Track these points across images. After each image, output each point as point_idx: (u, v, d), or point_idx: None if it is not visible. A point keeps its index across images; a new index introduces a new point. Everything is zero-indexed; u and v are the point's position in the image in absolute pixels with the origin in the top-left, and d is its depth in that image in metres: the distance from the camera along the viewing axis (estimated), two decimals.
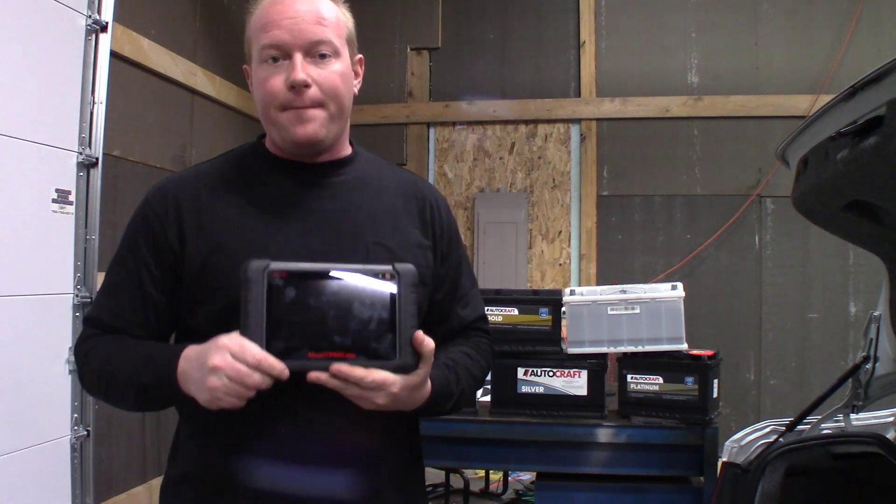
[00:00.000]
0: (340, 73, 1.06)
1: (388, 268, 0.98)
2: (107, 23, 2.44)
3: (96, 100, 2.42)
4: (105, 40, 2.45)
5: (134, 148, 3.43)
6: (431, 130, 4.97)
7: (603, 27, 4.76)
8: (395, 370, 0.96)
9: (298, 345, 0.93)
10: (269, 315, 0.92)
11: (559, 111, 4.77)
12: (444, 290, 1.19)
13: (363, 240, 1.09)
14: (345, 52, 1.08)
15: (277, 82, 1.03)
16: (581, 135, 4.76)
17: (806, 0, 4.54)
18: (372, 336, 0.95)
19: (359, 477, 1.06)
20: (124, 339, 1.06)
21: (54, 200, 2.29)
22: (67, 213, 2.34)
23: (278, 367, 0.91)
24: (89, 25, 2.40)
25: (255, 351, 0.90)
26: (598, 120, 4.72)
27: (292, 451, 1.03)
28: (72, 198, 2.36)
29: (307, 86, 1.02)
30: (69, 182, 2.35)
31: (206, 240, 1.05)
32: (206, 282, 1.04)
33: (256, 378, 0.90)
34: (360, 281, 0.96)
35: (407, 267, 0.98)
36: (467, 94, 4.88)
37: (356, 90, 1.14)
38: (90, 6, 2.40)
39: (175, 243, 1.05)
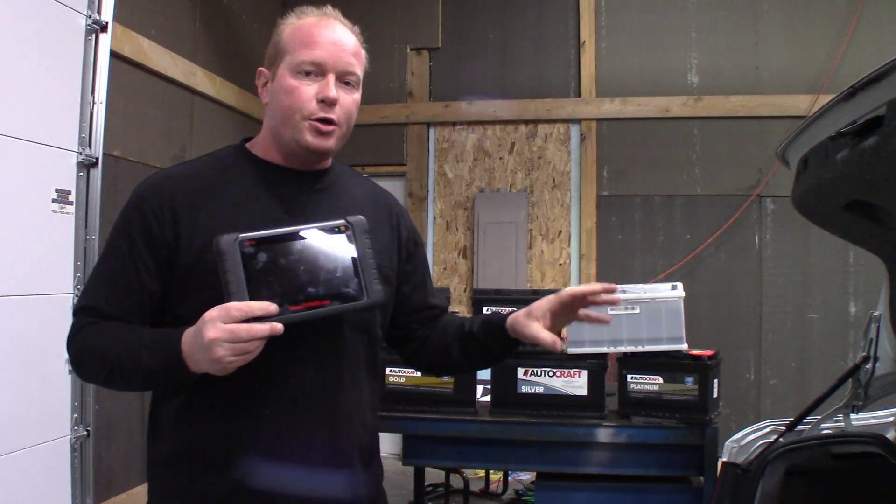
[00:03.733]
0: (356, 102, 1.20)
1: (342, 221, 1.09)
2: (107, 23, 2.45)
3: (96, 100, 2.43)
4: (105, 40, 2.45)
5: (134, 148, 3.43)
6: (431, 130, 4.97)
7: (603, 27, 4.75)
8: (365, 309, 1.09)
9: (279, 301, 1.00)
10: (247, 280, 1.00)
11: (559, 111, 4.77)
12: (415, 284, 1.33)
13: None
14: (360, 85, 1.21)
15: (308, 93, 1.14)
16: (581, 135, 4.76)
17: (806, 0, 4.54)
18: (341, 283, 1.06)
19: (342, 449, 1.17)
20: (120, 325, 1.11)
21: (54, 200, 2.29)
22: (67, 213, 2.34)
23: (267, 305, 0.98)
24: (89, 25, 2.40)
25: (239, 305, 0.98)
26: (598, 120, 4.72)
27: (274, 434, 1.11)
28: (72, 198, 2.36)
29: (334, 103, 1.14)
30: (69, 182, 2.35)
31: (200, 237, 1.10)
32: (197, 276, 1.10)
33: (252, 328, 0.97)
34: (320, 236, 1.07)
35: (358, 218, 1.10)
36: (467, 94, 4.87)
37: None
38: (90, 6, 2.41)
39: (171, 238, 1.12)
